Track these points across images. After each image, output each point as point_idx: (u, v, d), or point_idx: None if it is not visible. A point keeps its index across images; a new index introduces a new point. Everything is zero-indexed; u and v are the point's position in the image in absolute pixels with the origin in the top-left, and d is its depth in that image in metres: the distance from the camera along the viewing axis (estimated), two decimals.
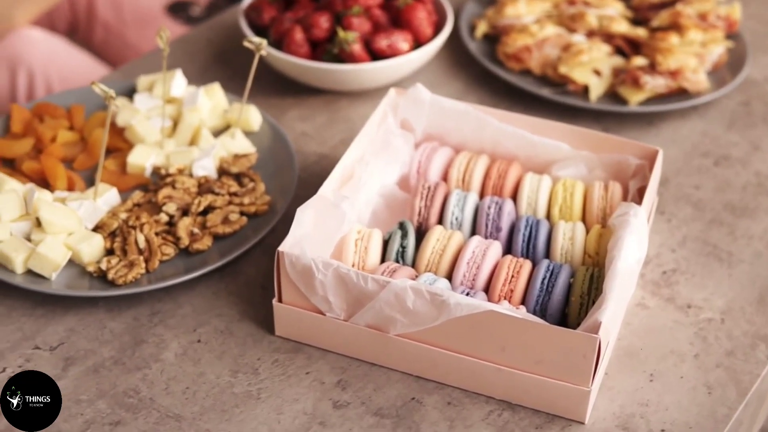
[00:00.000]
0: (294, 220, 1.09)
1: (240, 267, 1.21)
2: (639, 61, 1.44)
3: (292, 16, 1.43)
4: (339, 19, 1.41)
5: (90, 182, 1.29)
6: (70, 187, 1.27)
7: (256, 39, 1.26)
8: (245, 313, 1.16)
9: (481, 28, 1.54)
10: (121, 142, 1.33)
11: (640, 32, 1.51)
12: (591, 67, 1.45)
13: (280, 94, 1.46)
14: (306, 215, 1.10)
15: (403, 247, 1.15)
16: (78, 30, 2.06)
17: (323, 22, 1.41)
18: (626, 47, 1.51)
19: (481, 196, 1.24)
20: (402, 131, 1.26)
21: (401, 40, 1.40)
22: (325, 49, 1.41)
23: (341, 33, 1.38)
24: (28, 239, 1.19)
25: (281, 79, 1.47)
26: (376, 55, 1.40)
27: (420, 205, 1.20)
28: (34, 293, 1.17)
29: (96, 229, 1.21)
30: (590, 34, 1.52)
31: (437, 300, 1.03)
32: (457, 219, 1.19)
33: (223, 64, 1.53)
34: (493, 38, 1.55)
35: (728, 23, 1.53)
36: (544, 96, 1.45)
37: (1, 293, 1.17)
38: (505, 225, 1.18)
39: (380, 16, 1.42)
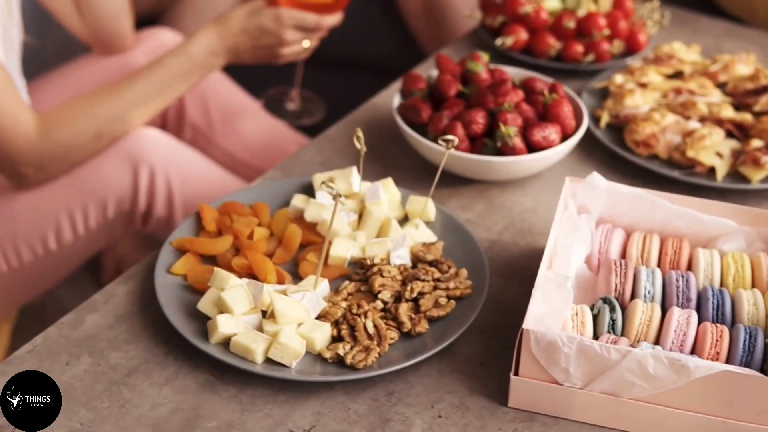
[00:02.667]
0: (530, 300, 1.20)
1: (452, 347, 1.31)
2: (756, 143, 1.60)
3: (449, 114, 1.55)
4: (493, 115, 1.54)
5: (292, 275, 1.38)
6: (280, 281, 1.36)
7: (449, 136, 1.38)
8: (473, 388, 1.26)
9: (605, 118, 1.68)
10: (313, 237, 1.43)
11: (747, 116, 1.67)
12: (713, 150, 1.61)
13: (438, 186, 1.58)
14: (537, 295, 1.22)
15: (612, 320, 1.27)
16: (166, 131, 2.15)
17: (479, 118, 1.54)
18: (735, 131, 1.66)
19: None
20: (586, 216, 1.38)
21: (554, 133, 1.53)
22: (482, 143, 1.53)
23: (503, 128, 1.50)
24: (259, 330, 1.28)
25: (433, 172, 1.59)
26: (531, 146, 1.52)
27: (616, 282, 1.32)
28: (274, 380, 1.25)
29: (319, 317, 1.30)
30: (702, 119, 1.68)
31: (677, 365, 1.15)
32: (649, 292, 1.32)
33: (374, 158, 1.64)
34: (614, 127, 1.69)
35: None
36: (675, 177, 1.59)
37: (242, 382, 1.25)
38: (693, 296, 1.31)
39: (528, 110, 1.56)
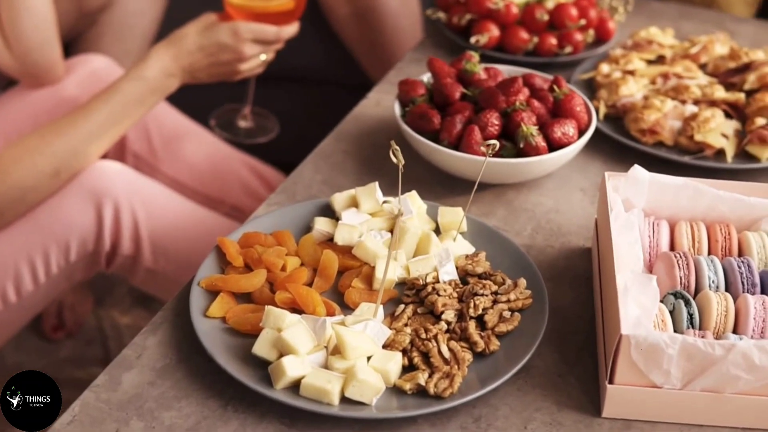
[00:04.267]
0: (618, 302, 1.15)
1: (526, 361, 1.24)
2: (760, 120, 1.59)
3: (461, 118, 1.48)
4: (506, 116, 1.48)
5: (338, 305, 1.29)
6: (329, 312, 1.26)
7: (491, 141, 1.31)
8: (560, 402, 1.19)
9: (602, 109, 1.65)
10: (349, 261, 1.34)
11: (740, 96, 1.66)
12: (719, 132, 1.59)
13: (452, 194, 1.51)
14: (626, 298, 1.16)
15: (690, 314, 1.23)
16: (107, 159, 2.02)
17: (495, 119, 1.47)
18: (731, 111, 1.65)
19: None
20: (636, 211, 1.34)
21: (572, 128, 1.48)
22: (501, 146, 1.47)
23: (525, 128, 1.44)
24: (325, 368, 1.18)
25: (446, 179, 1.52)
26: (551, 144, 1.47)
27: (680, 275, 1.28)
28: (354, 421, 1.16)
29: (385, 347, 1.21)
30: (696, 102, 1.66)
31: None
32: (713, 282, 1.28)
33: (376, 171, 1.55)
34: (611, 117, 1.65)
35: None
36: (686, 162, 1.57)
37: (318, 427, 1.15)
38: (757, 280, 1.28)
39: (539, 108, 1.50)
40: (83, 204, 1.72)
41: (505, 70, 1.63)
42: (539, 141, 1.45)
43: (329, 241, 1.38)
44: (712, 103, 1.66)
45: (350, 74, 2.47)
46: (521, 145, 1.45)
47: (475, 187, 1.35)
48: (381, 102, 1.73)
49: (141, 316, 2.31)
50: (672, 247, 1.35)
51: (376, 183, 1.40)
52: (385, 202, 1.18)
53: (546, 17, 1.81)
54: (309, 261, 1.34)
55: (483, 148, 1.31)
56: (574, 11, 1.81)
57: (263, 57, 1.83)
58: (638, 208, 1.36)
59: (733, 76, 1.72)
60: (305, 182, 1.54)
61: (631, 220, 1.32)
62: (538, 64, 1.82)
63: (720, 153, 1.59)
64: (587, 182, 1.56)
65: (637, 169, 1.35)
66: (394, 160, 1.28)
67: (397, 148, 1.27)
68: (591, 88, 1.74)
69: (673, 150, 1.60)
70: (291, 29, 1.82)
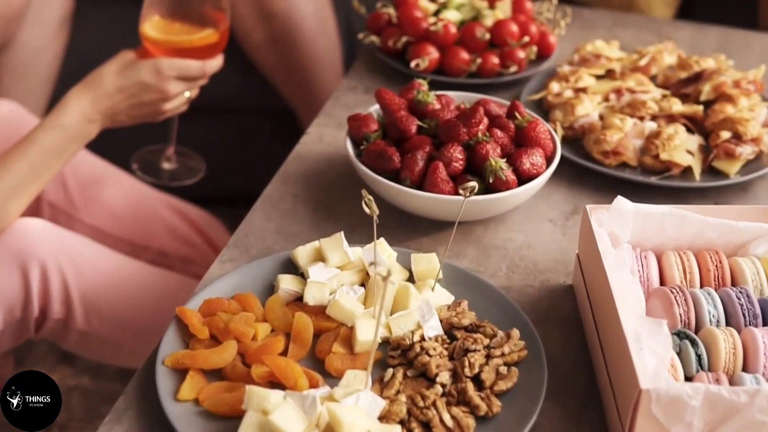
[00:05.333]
0: (631, 352, 1.06)
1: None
2: (725, 134, 1.53)
3: (422, 154, 1.39)
4: (470, 148, 1.39)
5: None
6: (312, 384, 1.15)
7: (470, 184, 1.21)
8: None
9: (559, 131, 1.57)
10: (325, 322, 1.23)
11: (697, 108, 1.60)
12: (684, 149, 1.53)
13: (416, 235, 1.41)
14: (638, 348, 1.08)
15: (698, 355, 1.16)
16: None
17: (458, 154, 1.38)
18: (690, 125, 1.59)
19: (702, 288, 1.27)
20: (627, 246, 1.26)
21: (539, 157, 1.40)
22: (464, 180, 1.38)
23: (493, 162, 1.35)
24: None
25: (408, 220, 1.42)
26: (520, 176, 1.39)
27: (680, 312, 1.20)
28: None
29: (380, 419, 1.11)
30: (653, 118, 1.59)
31: None
32: (714, 316, 1.21)
33: (332, 216, 1.45)
34: (568, 140, 1.58)
35: (757, 86, 1.67)
36: (654, 183, 1.50)
37: None
38: (758, 311, 1.21)
39: (502, 137, 1.41)
40: (7, 268, 1.57)
41: (455, 96, 1.54)
42: (509, 174, 1.36)
43: (298, 300, 1.26)
44: (671, 118, 1.60)
45: (269, 101, 2.35)
46: (490, 180, 1.36)
47: (454, 231, 1.26)
48: (323, 137, 1.62)
49: (67, 374, 2.15)
50: (662, 280, 1.27)
51: (341, 233, 1.30)
52: (371, 264, 1.07)
53: (487, 36, 1.72)
54: (280, 325, 1.23)
55: (461, 191, 1.21)
56: (514, 27, 1.73)
57: (187, 94, 1.70)
58: (625, 241, 1.29)
59: (686, 87, 1.67)
60: (257, 233, 1.42)
61: (622, 257, 1.24)
62: (480, 85, 1.74)
63: (686, 171, 1.53)
64: (554, 211, 1.48)
65: (620, 201, 1.28)
66: (367, 211, 1.18)
67: (371, 198, 1.17)
68: (541, 108, 1.66)
69: (636, 170, 1.54)
70: (216, 63, 1.70)
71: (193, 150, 1.95)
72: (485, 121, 1.42)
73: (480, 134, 1.40)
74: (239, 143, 2.45)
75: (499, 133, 1.41)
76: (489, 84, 1.74)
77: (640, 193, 1.51)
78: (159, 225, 1.96)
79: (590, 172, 1.54)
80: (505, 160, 1.38)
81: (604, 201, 1.49)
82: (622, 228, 1.28)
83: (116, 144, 2.02)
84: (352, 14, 2.36)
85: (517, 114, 1.44)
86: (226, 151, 2.43)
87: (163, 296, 1.79)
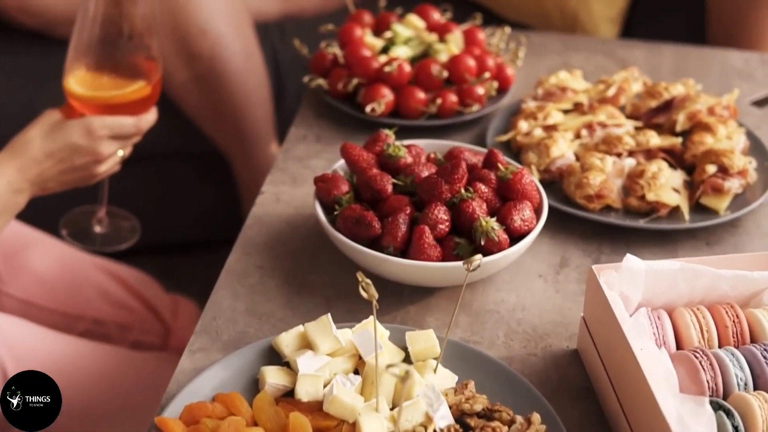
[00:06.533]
0: None
1: None
2: (710, 168, 1.45)
3: (404, 217, 1.27)
4: (453, 206, 1.28)
5: None
6: None
7: (476, 257, 1.10)
8: None
9: (535, 175, 1.46)
10: (323, 420, 1.09)
11: (674, 141, 1.52)
12: (670, 187, 1.44)
13: (400, 306, 1.29)
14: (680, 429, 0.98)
15: (734, 426, 1.06)
16: None
17: (443, 214, 1.26)
18: (669, 158, 1.51)
19: (721, 346, 1.18)
20: (644, 310, 1.16)
21: (528, 211, 1.29)
22: (451, 243, 1.26)
23: (484, 222, 1.24)
24: None
25: (387, 288, 1.29)
26: (511, 234, 1.28)
27: (707, 379, 1.11)
28: None
29: None
30: (630, 153, 1.50)
31: None
32: (741, 379, 1.12)
33: (305, 289, 1.32)
34: (544, 183, 1.47)
35: (731, 111, 1.59)
36: (642, 227, 1.41)
37: None
38: None
39: (486, 192, 1.30)
40: None
41: (423, 145, 1.42)
42: (501, 234, 1.25)
43: (288, 395, 1.13)
44: (648, 152, 1.51)
45: (194, 144, 2.20)
46: (482, 243, 1.25)
47: (456, 309, 1.14)
48: (280, 196, 1.49)
49: None
50: (678, 341, 1.18)
51: (328, 317, 1.17)
52: (388, 366, 0.95)
53: (445, 74, 1.60)
54: (273, 428, 1.09)
55: (465, 266, 1.09)
56: (471, 62, 1.62)
57: (121, 153, 1.55)
58: (636, 302, 1.19)
59: (658, 116, 1.58)
60: (226, 315, 1.28)
61: (641, 323, 1.14)
62: (438, 127, 1.62)
63: (673, 210, 1.44)
64: (542, 265, 1.37)
65: (630, 260, 1.18)
66: (364, 295, 1.05)
67: (369, 282, 1.04)
68: (509, 149, 1.56)
69: (620, 213, 1.44)
70: (150, 117, 1.56)
71: (120, 202, 1.78)
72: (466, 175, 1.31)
73: (463, 191, 1.28)
74: (165, 189, 2.29)
75: (482, 187, 1.30)
76: (447, 125, 1.62)
77: (628, 237, 1.42)
78: (92, 291, 1.81)
79: (572, 218, 1.43)
80: (494, 218, 1.27)
81: (591, 249, 1.40)
82: (633, 289, 1.18)
83: (42, 206, 1.84)
84: (277, 47, 2.23)
85: (499, 165, 1.33)
86: (151, 198, 2.27)
87: (103, 376, 1.65)
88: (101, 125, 1.49)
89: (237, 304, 1.29)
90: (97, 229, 1.72)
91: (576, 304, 1.31)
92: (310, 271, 1.35)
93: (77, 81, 1.52)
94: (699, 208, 1.45)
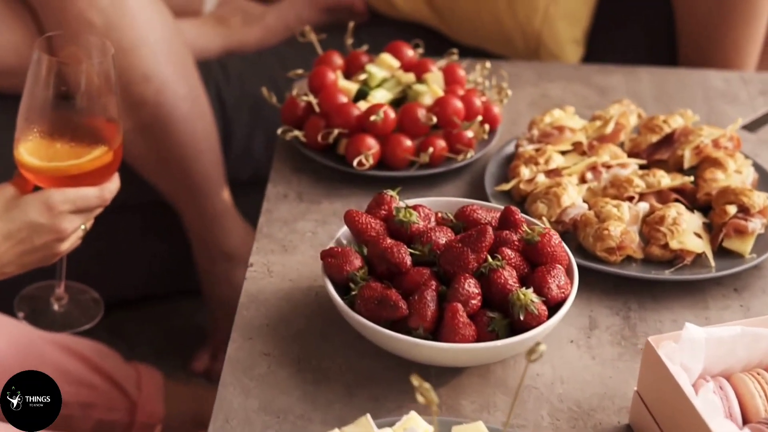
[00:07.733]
0: None
1: None
2: (731, 209, 1.37)
3: (431, 294, 1.15)
4: (482, 277, 1.16)
5: None
6: None
7: (541, 347, 0.98)
8: None
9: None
10: None
11: (685, 180, 1.43)
12: (691, 232, 1.35)
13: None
14: None
15: None
16: None
17: (473, 288, 1.15)
18: (680, 198, 1.42)
19: None
20: (712, 384, 1.07)
21: (563, 276, 1.19)
22: (484, 319, 1.15)
23: (522, 295, 1.13)
24: None
25: (403, 369, 1.17)
26: (548, 303, 1.17)
27: None
28: None
29: None
30: (641, 196, 1.41)
31: None
32: None
33: (323, 378, 1.19)
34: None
35: (735, 143, 1.51)
36: (667, 278, 1.32)
37: None
38: None
39: (514, 257, 1.19)
40: None
41: (428, 203, 1.30)
42: (540, 307, 1.14)
43: None
44: (659, 194, 1.42)
45: (135, 195, 2.04)
46: (521, 317, 1.14)
47: (516, 397, 1.02)
48: (271, 269, 1.36)
49: None
50: (742, 411, 1.09)
51: (368, 417, 1.04)
52: None
53: (434, 119, 1.49)
54: None
55: (527, 357, 0.98)
56: (458, 104, 1.50)
57: (83, 227, 1.40)
58: (697, 373, 1.09)
59: (660, 152, 1.50)
60: (239, 416, 1.14)
61: (711, 399, 1.05)
62: (427, 176, 1.51)
63: (697, 257, 1.35)
64: (572, 329, 1.27)
65: (690, 329, 1.08)
66: (421, 400, 0.93)
67: (428, 387, 0.92)
68: (511, 197, 1.45)
69: (639, 263, 1.35)
70: (114, 186, 1.41)
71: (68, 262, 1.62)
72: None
73: (491, 260, 1.17)
74: (107, 244, 2.12)
75: (509, 252, 1.19)
76: (440, 174, 1.51)
77: (652, 289, 1.33)
78: (50, 372, 1.64)
79: (593, 272, 1.33)
80: (530, 288, 1.16)
81: (618, 306, 1.32)
82: (693, 360, 1.09)
83: None
84: (221, 86, 2.08)
85: (525, 227, 1.22)
86: (92, 254, 2.10)
87: None
88: (62, 199, 1.33)
89: (249, 401, 1.16)
90: (56, 307, 1.56)
91: (616, 371, 1.21)
92: (324, 356, 1.22)
93: (30, 150, 1.36)
94: (721, 251, 1.36)
